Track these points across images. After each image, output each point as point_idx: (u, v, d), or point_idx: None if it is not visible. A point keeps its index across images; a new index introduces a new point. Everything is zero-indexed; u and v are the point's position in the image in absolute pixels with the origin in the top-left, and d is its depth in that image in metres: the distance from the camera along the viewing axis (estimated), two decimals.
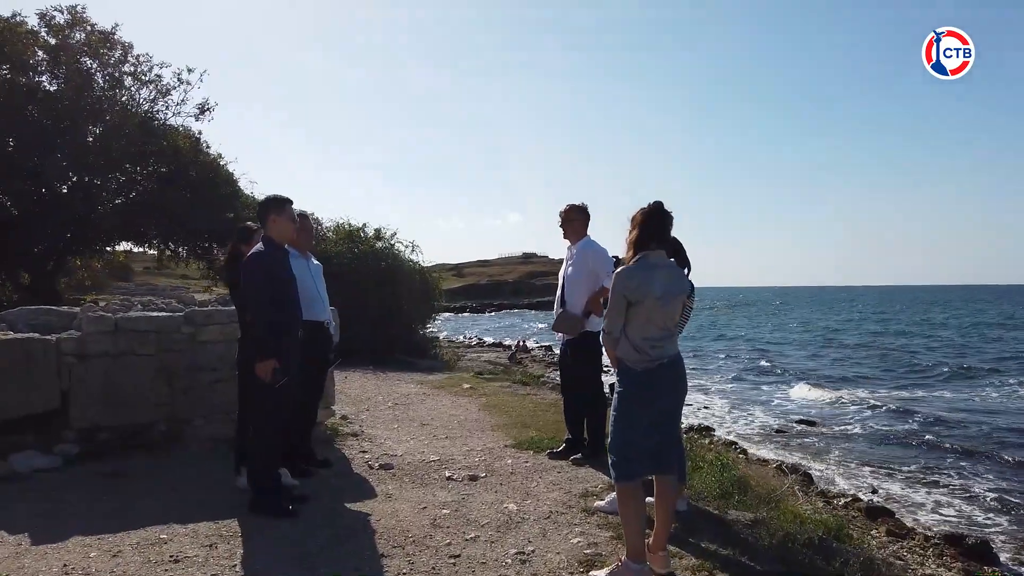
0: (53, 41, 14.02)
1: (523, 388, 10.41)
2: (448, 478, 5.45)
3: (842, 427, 13.15)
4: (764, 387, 18.78)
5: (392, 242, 15.85)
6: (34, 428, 5.63)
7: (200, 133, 16.23)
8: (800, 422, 13.60)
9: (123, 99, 15.04)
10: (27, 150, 12.85)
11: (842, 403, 16.08)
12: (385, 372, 11.87)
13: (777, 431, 12.65)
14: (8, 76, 13.56)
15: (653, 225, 3.77)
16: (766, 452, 10.60)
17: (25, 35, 13.50)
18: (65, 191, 14.12)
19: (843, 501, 7.62)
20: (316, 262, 5.85)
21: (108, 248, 17.04)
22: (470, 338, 32.36)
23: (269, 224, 4.83)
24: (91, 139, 14.33)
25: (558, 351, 6.67)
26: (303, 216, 5.81)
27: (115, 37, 14.77)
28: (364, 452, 6.32)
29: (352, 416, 7.92)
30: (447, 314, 63.76)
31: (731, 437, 11.59)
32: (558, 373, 6.68)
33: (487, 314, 68.76)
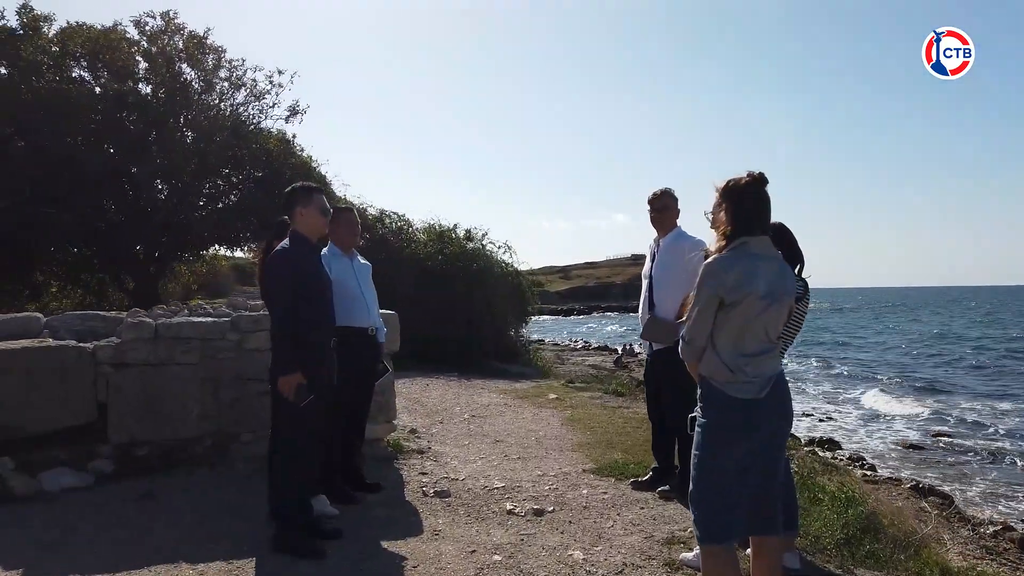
0: (152, 49, 14.27)
1: (615, 399, 9.48)
2: (509, 511, 4.65)
3: (987, 442, 11.55)
4: (893, 395, 16.98)
5: (484, 243, 15.29)
6: (69, 442, 5.24)
7: (295, 136, 16.22)
8: (938, 435, 12.09)
9: (216, 103, 15.17)
10: (126, 156, 13.08)
11: (982, 415, 14.27)
12: (471, 379, 11.21)
13: (911, 446, 11.24)
14: (109, 83, 13.86)
15: (751, 203, 2.87)
16: (898, 470, 9.35)
17: (121, 42, 13.74)
18: (163, 197, 14.33)
19: (991, 530, 6.41)
20: (363, 261, 5.19)
21: (203, 252, 17.32)
22: (575, 341, 31.59)
23: (296, 217, 4.20)
24: (188, 143, 14.48)
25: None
26: (347, 209, 5.18)
27: (208, 42, 14.92)
28: (424, 474, 5.62)
29: (423, 430, 7.26)
30: (553, 317, 63.22)
31: (858, 452, 10.43)
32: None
33: (594, 316, 67.64)
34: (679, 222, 5.23)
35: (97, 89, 13.78)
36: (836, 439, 11.32)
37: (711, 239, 3.01)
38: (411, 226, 15.61)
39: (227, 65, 15.13)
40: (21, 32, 13.00)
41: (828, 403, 16.06)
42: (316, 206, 4.20)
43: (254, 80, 15.64)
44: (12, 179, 11.86)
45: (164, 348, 5.45)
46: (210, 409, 5.58)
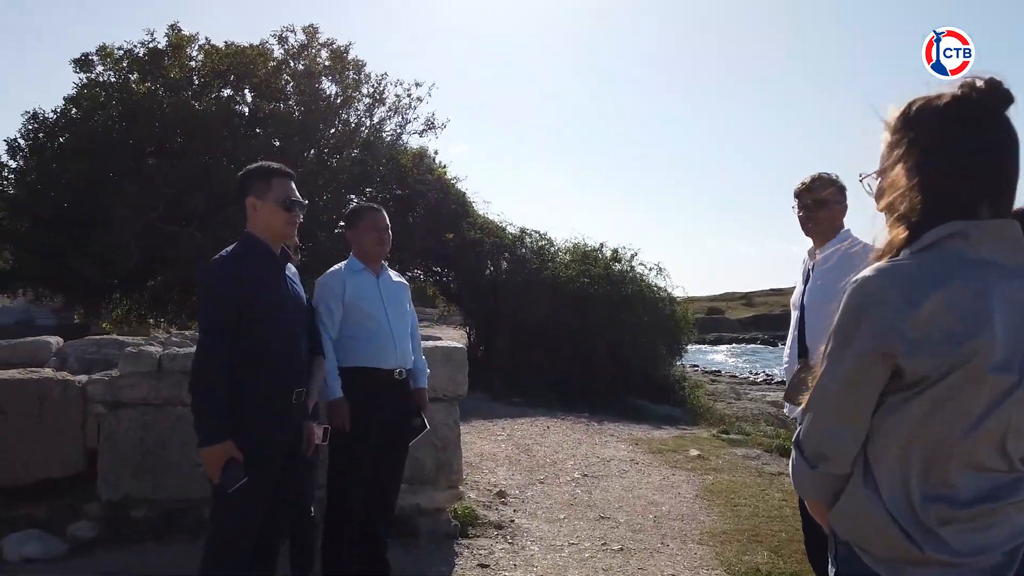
0: (299, 67, 14.12)
1: (778, 461, 7.35)
2: None
3: None
4: None
5: (632, 264, 13.72)
6: (53, 498, 4.30)
7: (436, 152, 15.46)
8: None
9: (355, 119, 14.74)
10: None
11: None
12: (602, 422, 9.56)
13: None
14: (247, 100, 13.80)
15: (971, 146, 1.15)
16: None
17: (260, 57, 13.60)
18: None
19: None
20: (396, 278, 3.85)
21: None
22: (756, 374, 28.97)
23: (248, 211, 2.92)
24: (333, 163, 14.13)
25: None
26: (370, 208, 3.86)
27: (349, 57, 14.53)
28: (484, 567, 4.15)
29: (515, 492, 5.78)
30: (732, 346, 59.34)
31: None
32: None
33: (779, 347, 62.81)
34: (847, 223, 3.40)
35: (238, 107, 13.75)
36: None
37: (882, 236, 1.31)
38: (552, 245, 14.35)
39: (368, 80, 14.71)
40: (169, 52, 13.24)
41: None
42: (276, 196, 2.89)
43: (397, 96, 15.11)
44: (149, 197, 11.90)
45: (169, 385, 4.39)
46: None
